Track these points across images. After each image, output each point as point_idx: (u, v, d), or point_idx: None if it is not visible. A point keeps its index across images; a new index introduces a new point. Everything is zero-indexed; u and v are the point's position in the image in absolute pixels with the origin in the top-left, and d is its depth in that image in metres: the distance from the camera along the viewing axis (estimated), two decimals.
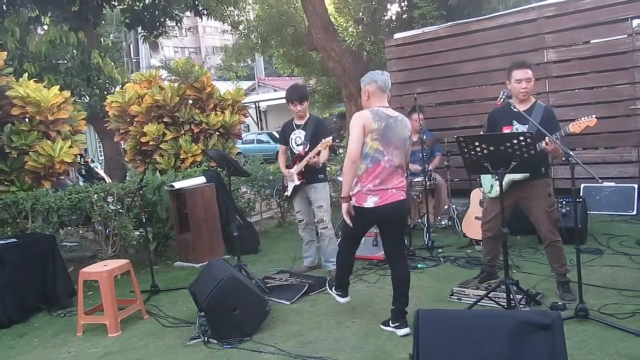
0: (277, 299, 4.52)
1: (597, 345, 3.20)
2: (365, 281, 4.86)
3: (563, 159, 3.52)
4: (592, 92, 6.87)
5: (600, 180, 3.50)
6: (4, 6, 9.83)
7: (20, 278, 4.68)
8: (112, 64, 10.52)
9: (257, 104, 28.06)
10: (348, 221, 3.68)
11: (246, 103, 9.03)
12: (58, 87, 6.43)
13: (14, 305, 4.61)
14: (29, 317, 4.69)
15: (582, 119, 3.78)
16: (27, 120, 6.01)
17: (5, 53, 6.47)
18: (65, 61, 10.10)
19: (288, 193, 5.25)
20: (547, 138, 3.68)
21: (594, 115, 3.79)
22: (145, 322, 4.39)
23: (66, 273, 5.10)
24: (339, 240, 4.34)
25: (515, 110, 3.88)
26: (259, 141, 23.65)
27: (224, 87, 9.09)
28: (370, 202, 3.65)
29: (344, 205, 3.69)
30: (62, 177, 6.48)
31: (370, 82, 3.70)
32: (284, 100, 5.20)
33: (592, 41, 6.91)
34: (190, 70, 7.85)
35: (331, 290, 4.08)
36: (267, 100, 27.56)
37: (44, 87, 6.28)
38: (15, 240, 4.93)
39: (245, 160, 8.60)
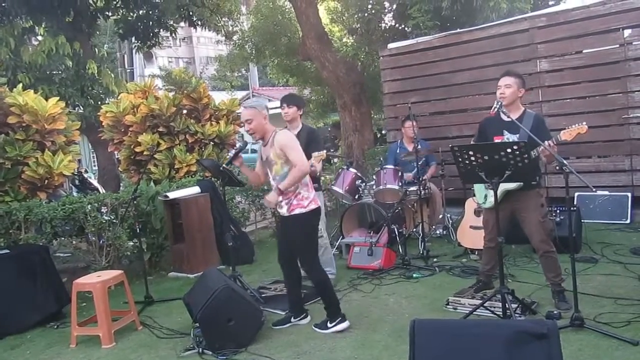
0: (273, 309, 4.51)
1: (593, 354, 3.20)
2: (361, 291, 4.84)
3: (557, 167, 3.54)
4: (584, 101, 6.91)
5: (594, 189, 3.52)
6: None
7: (13, 289, 4.64)
8: (111, 75, 10.53)
9: None
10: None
11: (241, 113, 9.02)
12: (57, 98, 6.43)
13: (7, 317, 4.57)
14: (21, 329, 4.63)
15: (573, 126, 3.81)
16: (22, 129, 5.99)
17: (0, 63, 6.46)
18: (60, 72, 10.08)
19: None
20: (546, 143, 3.71)
21: (584, 123, 3.82)
22: (139, 333, 4.36)
23: (61, 283, 5.06)
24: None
25: (507, 119, 3.91)
26: (253, 151, 23.65)
27: (218, 97, 9.09)
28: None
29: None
30: (57, 188, 6.44)
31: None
32: (278, 110, 5.20)
33: (584, 51, 6.96)
34: (187, 81, 7.85)
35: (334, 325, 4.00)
36: None
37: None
38: (8, 251, 4.89)
39: (240, 170, 8.58)
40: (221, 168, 4.49)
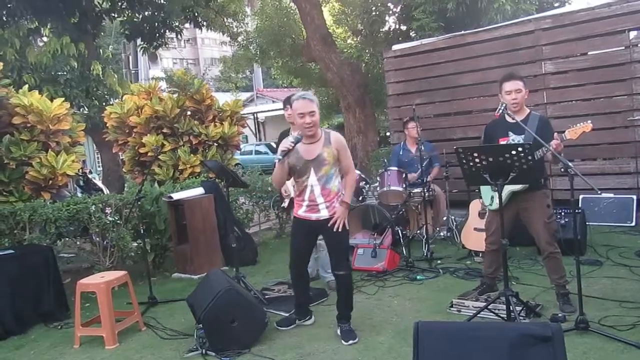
0: (276, 311, 4.50)
1: (598, 358, 3.18)
2: (364, 292, 4.83)
3: (562, 169, 3.52)
4: (589, 103, 6.89)
5: (599, 192, 3.51)
6: (4, 17, 9.86)
7: (17, 289, 4.64)
8: (115, 76, 10.56)
9: (255, 115, 28.13)
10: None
11: (244, 114, 9.05)
12: (63, 99, 6.45)
13: (11, 317, 4.57)
14: (25, 329, 4.64)
15: (578, 125, 3.80)
16: (27, 130, 6.01)
17: (3, 64, 6.47)
18: (65, 73, 10.12)
19: (285, 204, 5.23)
20: (554, 141, 3.69)
21: (589, 121, 3.81)
22: (143, 334, 4.36)
23: (61, 285, 5.06)
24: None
25: (512, 121, 3.91)
26: (257, 152, 23.68)
27: (222, 98, 9.11)
28: None
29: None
30: (61, 189, 6.46)
31: None
32: (282, 112, 5.18)
33: (589, 53, 6.95)
34: (189, 82, 7.87)
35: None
36: (265, 111, 27.62)
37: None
38: (12, 251, 4.90)
39: (244, 171, 8.60)
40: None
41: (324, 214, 3.76)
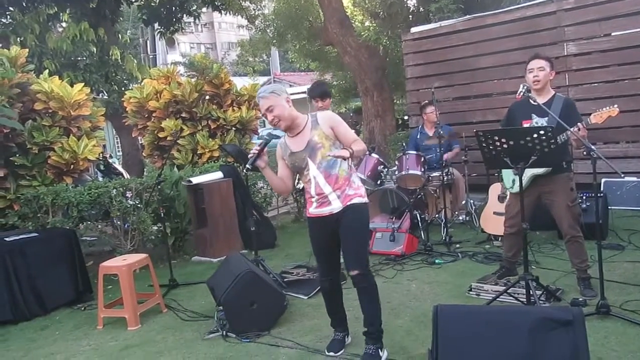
0: (295, 294, 4.54)
1: (619, 342, 3.16)
2: (382, 276, 4.84)
3: (584, 153, 3.47)
4: (613, 85, 6.75)
5: (622, 175, 3.45)
6: (24, 3, 9.93)
7: (42, 272, 4.75)
8: (135, 61, 10.61)
9: None
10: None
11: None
12: (83, 84, 6.51)
13: (36, 299, 4.69)
14: (50, 311, 4.75)
15: (604, 109, 3.72)
16: (49, 115, 6.09)
17: (27, 50, 6.55)
18: (84, 58, 10.19)
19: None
20: (579, 124, 3.64)
21: (615, 105, 3.73)
22: (164, 315, 4.44)
23: (84, 268, 5.16)
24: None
25: (535, 103, 3.85)
26: (275, 136, 23.65)
27: (240, 83, 9.11)
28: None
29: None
30: (82, 173, 6.55)
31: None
32: (299, 95, 5.19)
33: (613, 33, 6.79)
34: (208, 67, 7.87)
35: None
36: None
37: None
38: (36, 234, 5.00)
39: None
40: (244, 171, 3.58)
41: (336, 205, 3.23)
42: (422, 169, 6.01)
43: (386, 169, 6.26)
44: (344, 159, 3.08)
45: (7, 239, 4.74)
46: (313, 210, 3.33)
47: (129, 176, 9.85)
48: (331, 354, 3.42)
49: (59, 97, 6.06)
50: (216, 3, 12.04)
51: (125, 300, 4.23)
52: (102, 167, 11.65)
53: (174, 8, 11.46)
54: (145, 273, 4.66)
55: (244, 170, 3.30)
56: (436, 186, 6.32)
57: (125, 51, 10.65)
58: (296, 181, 5.34)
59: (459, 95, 8.05)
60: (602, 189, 6.31)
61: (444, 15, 8.71)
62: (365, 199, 3.29)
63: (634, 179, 6.43)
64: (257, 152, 3.26)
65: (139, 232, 5.85)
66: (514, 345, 2.50)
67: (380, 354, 3.24)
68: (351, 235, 3.22)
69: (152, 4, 11.57)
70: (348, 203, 3.22)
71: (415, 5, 10.66)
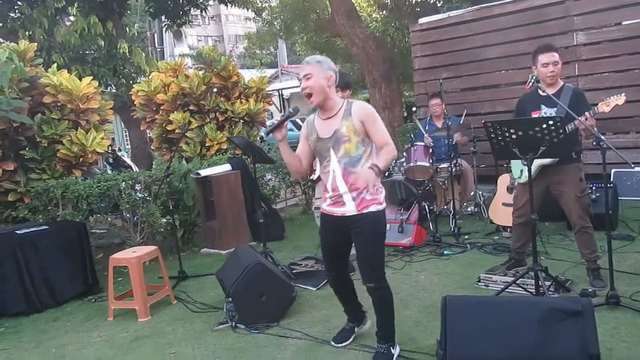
0: (303, 285, 4.55)
1: (629, 333, 3.15)
2: (391, 267, 4.84)
3: (594, 143, 3.44)
4: (623, 75, 6.69)
5: (632, 165, 3.42)
6: None
7: (52, 264, 4.79)
8: (142, 54, 10.63)
9: (280, 91, 28.06)
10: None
11: (269, 91, 9.04)
12: (91, 77, 6.54)
13: (47, 291, 4.74)
14: (61, 302, 4.80)
15: (611, 97, 3.69)
16: (58, 109, 6.12)
17: (35, 44, 6.58)
18: (92, 51, 10.22)
19: (314, 176, 5.19)
20: (586, 113, 3.61)
21: (622, 94, 3.69)
22: (174, 307, 4.47)
23: (92, 260, 5.18)
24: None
25: (543, 94, 3.82)
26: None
27: (247, 75, 9.11)
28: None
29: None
30: (92, 166, 6.59)
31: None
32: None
33: (623, 23, 6.72)
34: (216, 59, 7.88)
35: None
36: (290, 87, 27.53)
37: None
38: (46, 227, 5.04)
39: (270, 147, 8.63)
40: (260, 140, 3.41)
41: (350, 208, 2.99)
42: (430, 161, 6.00)
43: (394, 161, 6.25)
44: (366, 186, 2.85)
45: (18, 232, 4.78)
46: (326, 206, 3.15)
47: (137, 169, 9.90)
48: (332, 343, 3.41)
49: (68, 91, 6.09)
50: None
51: (135, 292, 4.26)
52: (111, 160, 11.72)
53: (181, 0, 11.45)
54: (155, 265, 4.69)
55: (258, 138, 3.09)
56: (444, 177, 6.30)
57: (133, 44, 10.68)
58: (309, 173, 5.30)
59: (467, 86, 8.01)
60: (611, 180, 6.27)
61: (452, 5, 8.67)
62: (382, 205, 3.03)
63: None
64: (277, 122, 3.05)
65: (148, 224, 5.88)
66: (522, 335, 2.50)
67: (392, 351, 3.14)
68: (367, 247, 3.03)
69: None
70: (364, 211, 2.98)
71: None
